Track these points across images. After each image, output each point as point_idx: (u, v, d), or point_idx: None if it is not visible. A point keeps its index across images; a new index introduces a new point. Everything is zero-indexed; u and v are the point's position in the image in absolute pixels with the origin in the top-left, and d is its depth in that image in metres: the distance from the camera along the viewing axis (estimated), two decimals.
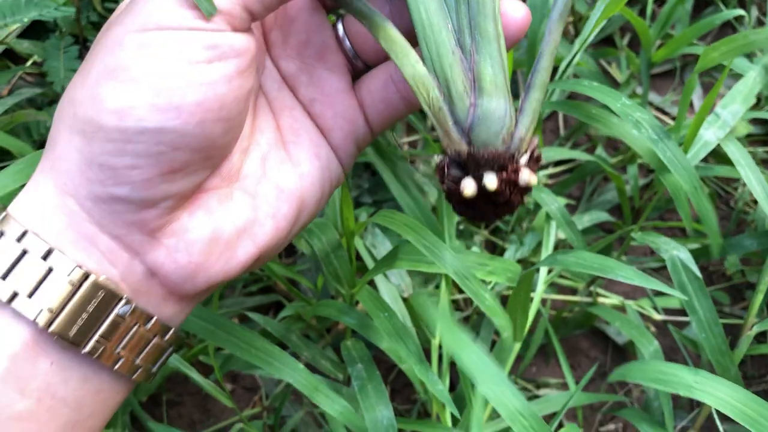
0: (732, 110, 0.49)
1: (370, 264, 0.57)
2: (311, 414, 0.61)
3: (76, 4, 0.60)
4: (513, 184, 0.28)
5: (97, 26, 0.66)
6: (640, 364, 0.44)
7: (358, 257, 0.57)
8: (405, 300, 0.56)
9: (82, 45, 0.64)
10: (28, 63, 0.64)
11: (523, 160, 0.29)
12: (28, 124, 0.58)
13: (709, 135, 0.49)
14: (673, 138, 0.48)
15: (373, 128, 0.36)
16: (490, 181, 0.28)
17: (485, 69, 0.29)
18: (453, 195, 0.29)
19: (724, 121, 0.50)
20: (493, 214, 0.29)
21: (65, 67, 0.60)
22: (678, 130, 0.51)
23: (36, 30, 0.66)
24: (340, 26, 0.35)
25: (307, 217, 0.35)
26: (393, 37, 0.30)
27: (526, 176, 0.28)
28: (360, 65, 0.36)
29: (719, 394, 0.33)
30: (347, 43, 0.35)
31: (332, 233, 0.51)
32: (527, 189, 0.29)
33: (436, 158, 0.30)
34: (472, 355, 0.22)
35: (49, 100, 0.64)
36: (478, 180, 0.28)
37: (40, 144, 0.60)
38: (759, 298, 0.47)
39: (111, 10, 0.65)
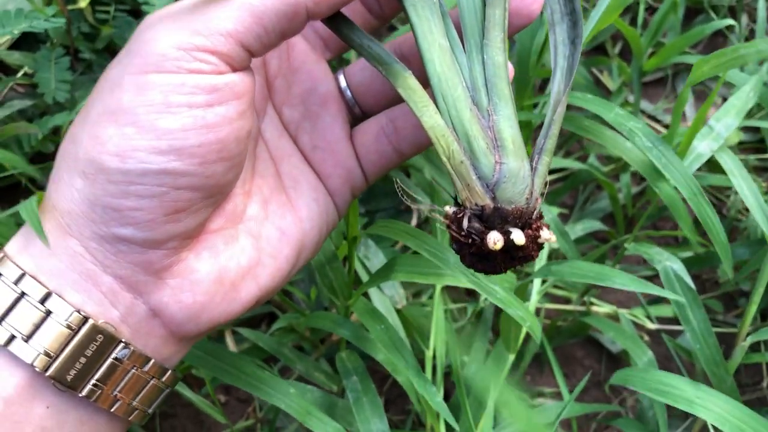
0: (726, 123, 0.49)
1: (363, 275, 0.57)
2: (304, 426, 0.61)
3: (66, 15, 0.60)
4: (535, 240, 0.29)
5: (88, 37, 0.65)
6: (641, 372, 0.43)
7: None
8: (398, 311, 0.56)
9: (73, 56, 0.64)
10: (19, 74, 0.64)
11: (535, 215, 0.30)
12: (19, 136, 0.58)
13: (703, 147, 0.50)
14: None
15: (368, 177, 0.37)
16: (518, 236, 0.29)
17: (505, 129, 0.30)
18: (470, 246, 0.29)
19: (717, 133, 0.50)
20: (505, 267, 0.30)
21: (56, 78, 0.60)
22: (671, 141, 0.51)
23: (27, 41, 0.65)
24: (341, 76, 0.36)
25: (305, 260, 0.35)
26: (412, 86, 0.30)
27: (547, 234, 0.30)
28: (358, 112, 0.37)
29: (718, 409, 0.33)
30: (348, 93, 0.36)
31: (328, 244, 0.51)
32: (542, 244, 0.30)
33: (449, 209, 0.30)
34: None
35: (41, 112, 0.63)
36: (506, 234, 0.29)
37: (32, 157, 0.59)
38: (753, 309, 0.47)
39: (102, 21, 0.65)
